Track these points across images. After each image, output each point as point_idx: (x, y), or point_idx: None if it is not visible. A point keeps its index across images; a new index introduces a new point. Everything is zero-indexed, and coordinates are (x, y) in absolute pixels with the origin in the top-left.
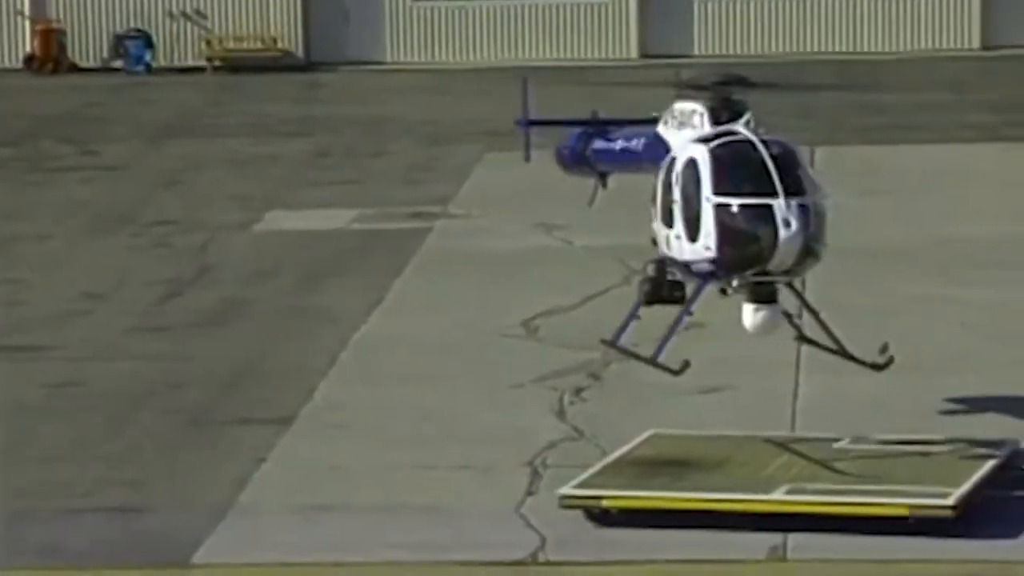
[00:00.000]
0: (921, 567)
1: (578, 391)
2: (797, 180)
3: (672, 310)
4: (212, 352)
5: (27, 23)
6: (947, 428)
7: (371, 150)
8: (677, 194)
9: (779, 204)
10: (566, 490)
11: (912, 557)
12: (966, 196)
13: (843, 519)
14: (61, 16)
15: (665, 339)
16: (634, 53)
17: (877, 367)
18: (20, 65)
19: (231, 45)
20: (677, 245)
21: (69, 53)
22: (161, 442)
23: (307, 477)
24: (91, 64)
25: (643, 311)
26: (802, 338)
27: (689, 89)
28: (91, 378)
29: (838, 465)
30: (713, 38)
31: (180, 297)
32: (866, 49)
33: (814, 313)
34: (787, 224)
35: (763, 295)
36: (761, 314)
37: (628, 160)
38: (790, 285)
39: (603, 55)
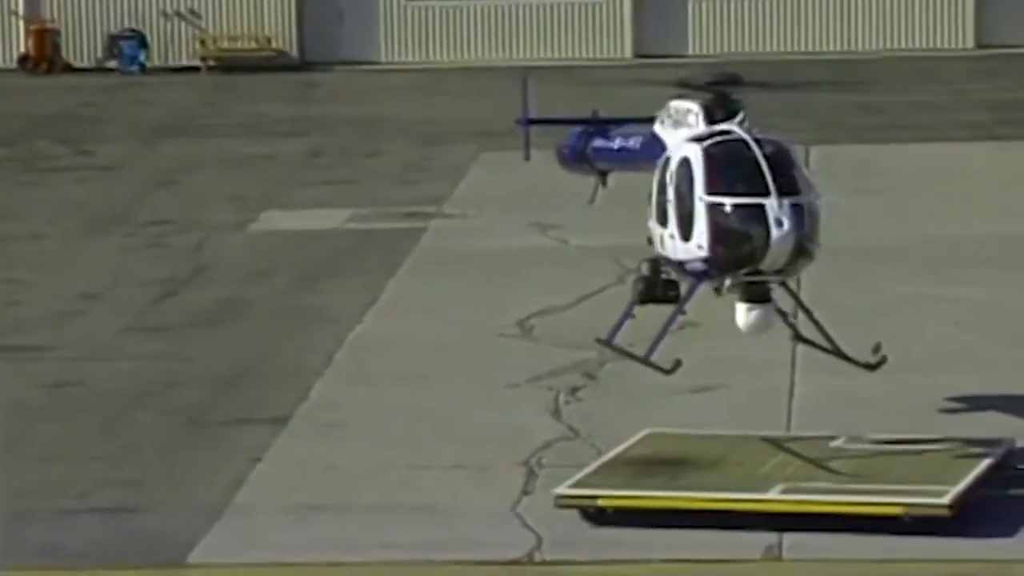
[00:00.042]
0: (917, 566)
1: (573, 390)
2: (790, 179)
3: (667, 309)
4: (208, 352)
5: (21, 23)
6: (942, 427)
7: (366, 150)
8: (671, 193)
9: (771, 204)
10: (562, 489)
11: (908, 556)
12: (958, 195)
13: (839, 518)
14: (55, 16)
15: (658, 338)
16: (628, 53)
17: (870, 367)
18: (14, 65)
19: (225, 45)
20: (671, 244)
21: (63, 53)
22: (158, 442)
23: (303, 477)
24: (85, 64)
25: (638, 310)
26: (798, 337)
27: (684, 88)
28: (89, 378)
29: (834, 464)
30: (707, 38)
31: (176, 297)
32: (860, 48)
33: (807, 312)
34: (779, 224)
35: (756, 295)
36: (754, 313)
37: (626, 159)
38: (784, 284)
39: (597, 55)
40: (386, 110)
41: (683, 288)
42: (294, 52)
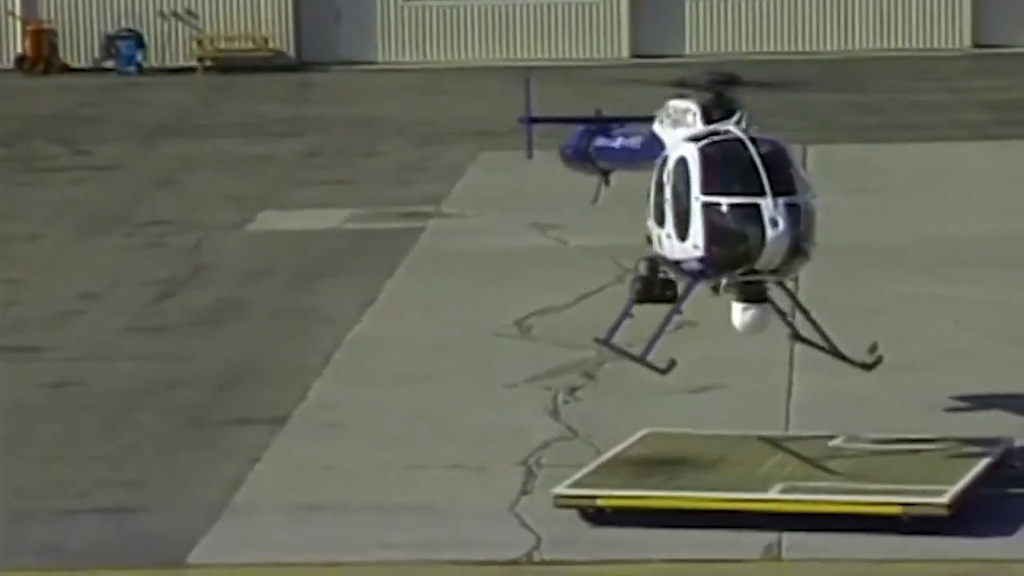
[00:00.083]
0: (916, 566)
1: (572, 390)
2: (786, 179)
3: (665, 308)
4: (208, 352)
5: (18, 23)
6: (941, 426)
7: (363, 150)
8: (668, 192)
9: (766, 203)
10: (560, 489)
11: (907, 556)
12: (955, 194)
13: (838, 518)
14: (52, 16)
15: (654, 338)
16: (625, 52)
17: (865, 367)
18: (11, 65)
19: (222, 45)
20: (668, 244)
21: (60, 53)
22: (158, 442)
23: (301, 477)
24: (82, 64)
25: (636, 310)
26: (797, 337)
27: (682, 87)
28: (89, 378)
29: (832, 464)
30: (704, 37)
31: (174, 297)
32: (857, 48)
33: (804, 312)
34: (774, 224)
35: (752, 294)
36: (750, 313)
37: (627, 158)
38: (781, 284)
39: (594, 55)
40: (383, 110)
41: (681, 287)
42: (291, 52)
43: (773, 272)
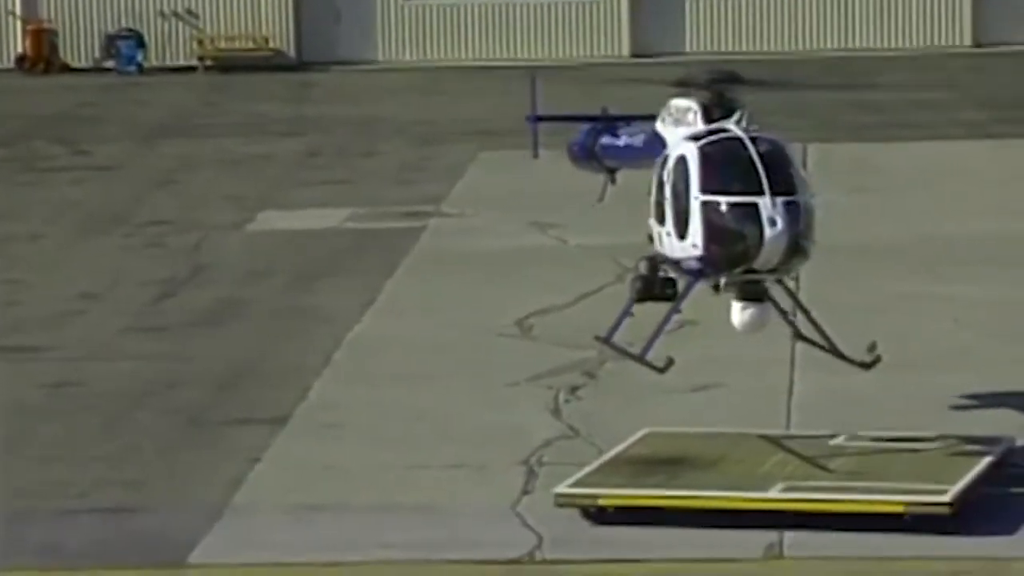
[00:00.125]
0: (917, 564)
1: (573, 389)
2: (785, 178)
3: (666, 307)
4: (208, 352)
5: (18, 23)
6: (942, 425)
7: (363, 150)
8: (668, 191)
9: (765, 202)
10: (562, 489)
11: (908, 554)
12: (955, 193)
13: (839, 516)
14: (52, 16)
15: (653, 337)
16: (626, 51)
17: (864, 365)
18: (11, 65)
19: (223, 45)
20: (668, 242)
21: (61, 53)
22: (158, 442)
23: (302, 477)
24: (83, 64)
25: (637, 308)
26: (798, 336)
27: (683, 86)
28: (89, 378)
29: (833, 463)
30: (705, 36)
31: (175, 297)
32: (858, 46)
33: (804, 311)
34: (773, 223)
35: (751, 293)
36: (749, 312)
37: (631, 156)
38: (781, 283)
39: (595, 53)
40: (383, 110)
41: (681, 286)
42: (291, 52)
43: (772, 271)
